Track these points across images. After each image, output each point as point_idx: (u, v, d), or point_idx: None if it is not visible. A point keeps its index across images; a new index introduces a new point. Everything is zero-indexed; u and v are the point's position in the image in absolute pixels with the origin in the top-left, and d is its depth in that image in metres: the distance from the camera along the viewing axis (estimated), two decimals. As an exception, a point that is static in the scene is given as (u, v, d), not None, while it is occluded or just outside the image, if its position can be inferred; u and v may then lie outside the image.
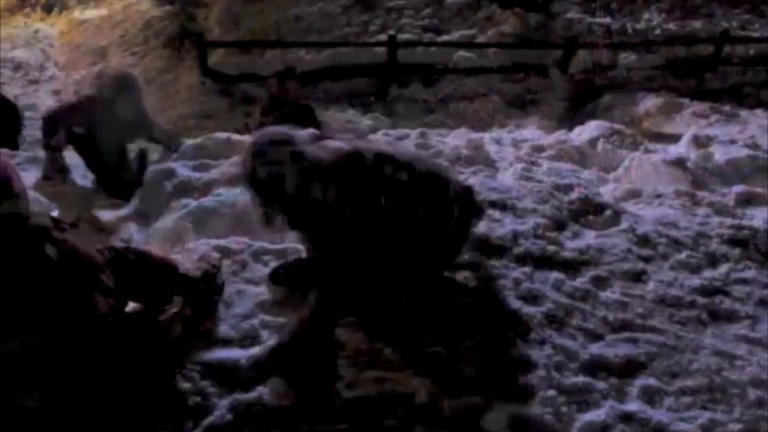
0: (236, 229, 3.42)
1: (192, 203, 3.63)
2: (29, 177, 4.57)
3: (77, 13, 12.55)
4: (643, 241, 3.61)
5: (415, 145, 4.79)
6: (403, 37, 9.56)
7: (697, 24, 10.74)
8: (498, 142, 5.29)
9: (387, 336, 2.70)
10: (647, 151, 5.07)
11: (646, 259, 3.49)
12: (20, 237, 1.89)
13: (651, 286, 3.28)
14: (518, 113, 8.62)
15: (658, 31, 10.33)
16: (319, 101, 8.42)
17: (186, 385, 2.45)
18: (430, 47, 9.57)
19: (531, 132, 6.22)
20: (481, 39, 9.91)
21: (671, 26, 10.54)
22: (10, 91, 9.28)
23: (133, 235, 3.76)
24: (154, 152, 5.12)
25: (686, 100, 8.43)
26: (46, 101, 9.08)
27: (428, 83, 8.94)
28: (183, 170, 4.15)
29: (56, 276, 1.91)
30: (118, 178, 4.74)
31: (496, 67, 9.56)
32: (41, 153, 6.58)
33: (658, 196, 4.25)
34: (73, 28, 11.76)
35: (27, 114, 8.33)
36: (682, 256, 3.54)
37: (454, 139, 5.00)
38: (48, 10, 13.16)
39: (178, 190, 3.95)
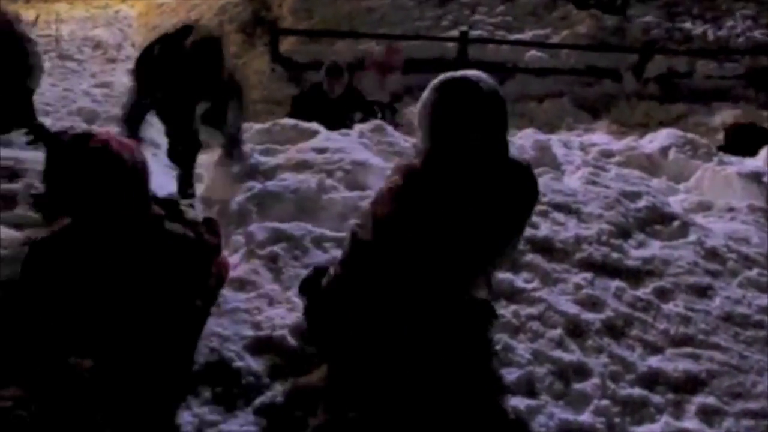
0: (298, 214, 3.45)
1: (257, 187, 3.67)
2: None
3: (156, -4, 12.89)
4: (712, 255, 3.50)
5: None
6: (475, 33, 9.48)
7: (784, 33, 10.31)
8: (566, 144, 5.18)
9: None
10: (721, 162, 4.90)
11: (714, 274, 3.38)
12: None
13: (717, 302, 3.18)
14: (588, 117, 8.45)
15: (741, 39, 9.95)
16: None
17: (240, 364, 2.49)
18: (501, 45, 9.47)
19: (600, 136, 6.09)
20: (554, 39, 9.74)
21: (756, 34, 10.13)
22: (90, 69, 9.63)
23: (198, 217, 3.84)
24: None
25: (765, 113, 8.14)
26: (122, 79, 9.36)
27: (498, 81, 8.82)
28: (249, 154, 4.21)
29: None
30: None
31: (568, 68, 9.39)
32: (116, 129, 6.81)
33: (731, 209, 4.11)
34: (151, 10, 12.09)
35: (103, 91, 8.69)
36: (752, 273, 3.41)
37: (520, 140, 4.93)
38: (129, -9, 13.57)
39: (244, 173, 4.00)
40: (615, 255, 3.35)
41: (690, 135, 5.42)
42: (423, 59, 9.00)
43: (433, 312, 2.21)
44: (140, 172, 1.94)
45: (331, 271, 2.31)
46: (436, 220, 2.06)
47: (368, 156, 4.13)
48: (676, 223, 3.73)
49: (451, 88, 2.03)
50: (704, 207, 4.18)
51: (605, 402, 2.56)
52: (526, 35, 9.79)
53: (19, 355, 2.08)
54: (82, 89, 8.56)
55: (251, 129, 4.74)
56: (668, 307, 3.10)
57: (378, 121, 4.93)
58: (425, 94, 2.08)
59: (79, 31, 11.11)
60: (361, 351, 2.25)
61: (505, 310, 2.86)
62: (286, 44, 9.49)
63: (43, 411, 2.18)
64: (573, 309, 2.95)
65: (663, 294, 3.18)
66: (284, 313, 2.72)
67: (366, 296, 2.18)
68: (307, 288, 2.60)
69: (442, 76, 2.08)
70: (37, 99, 7.40)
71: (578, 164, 4.64)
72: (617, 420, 2.51)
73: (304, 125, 4.74)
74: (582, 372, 2.67)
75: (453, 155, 2.04)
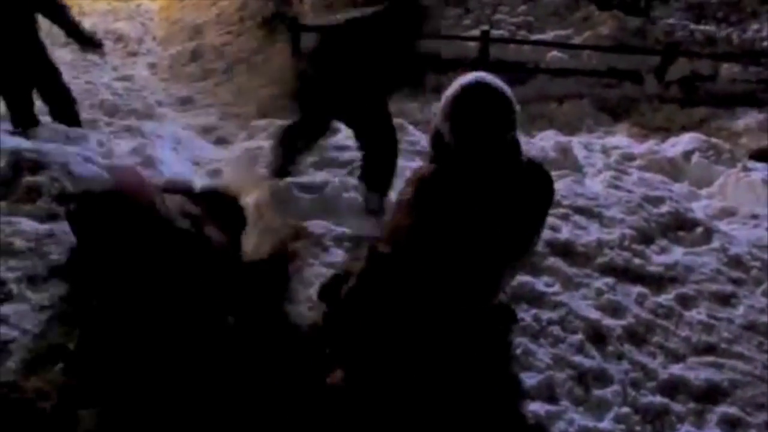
0: (319, 212, 3.44)
1: (277, 184, 3.67)
2: (123, 146, 4.75)
3: (178, -10, 12.92)
4: (735, 262, 3.46)
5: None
6: (496, 33, 9.43)
7: (811, 38, 10.13)
8: (587, 147, 5.15)
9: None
10: (745, 169, 4.83)
11: (737, 282, 3.34)
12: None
13: (740, 310, 3.14)
14: (608, 119, 8.36)
15: (766, 43, 9.82)
16: (405, 92, 8.41)
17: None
18: (523, 45, 9.41)
19: (620, 139, 6.05)
20: (576, 40, 9.65)
21: (782, 38, 9.98)
22: (111, 62, 9.68)
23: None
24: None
25: (790, 119, 8.02)
26: (142, 73, 9.41)
27: (518, 81, 8.77)
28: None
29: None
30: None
31: (589, 70, 9.30)
32: (136, 122, 6.85)
33: (755, 216, 4.06)
34: (172, 4, 12.11)
35: (124, 84, 8.73)
36: (777, 282, 3.37)
37: (541, 141, 4.91)
38: (151, -15, 13.60)
39: (264, 170, 4.00)
40: (637, 260, 3.33)
41: (713, 140, 5.37)
42: (444, 58, 8.97)
43: (456, 320, 2.21)
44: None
45: (350, 282, 2.31)
46: (454, 227, 2.06)
47: (389, 155, 4.11)
48: (699, 230, 3.69)
49: (467, 91, 2.06)
50: (728, 213, 4.14)
51: (626, 409, 2.54)
52: (548, 35, 9.71)
53: None
54: (104, 82, 8.61)
55: (272, 125, 4.74)
56: (690, 314, 3.06)
57: (399, 120, 4.91)
58: (445, 96, 2.10)
59: (101, 24, 11.16)
60: (381, 357, 2.24)
61: (526, 314, 2.84)
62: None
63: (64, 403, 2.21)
64: (594, 314, 2.93)
65: (685, 301, 3.15)
66: (305, 311, 2.72)
67: (385, 308, 2.17)
68: (325, 295, 2.61)
69: (458, 81, 2.10)
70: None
71: (600, 167, 4.61)
72: (638, 428, 2.49)
73: (325, 123, 4.72)
74: (602, 378, 2.65)
75: (471, 156, 2.05)
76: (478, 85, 2.07)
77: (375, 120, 3.54)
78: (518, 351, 2.66)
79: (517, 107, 2.08)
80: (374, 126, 3.54)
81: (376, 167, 3.59)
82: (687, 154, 5.12)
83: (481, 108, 2.04)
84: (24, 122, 4.51)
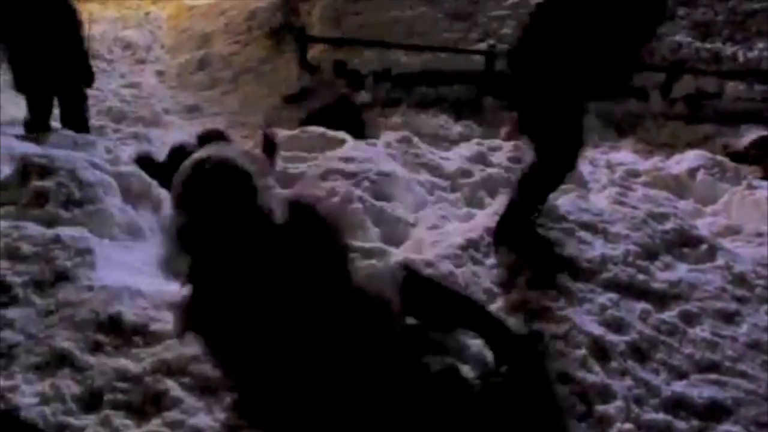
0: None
1: (283, 194, 3.68)
2: (130, 152, 4.77)
3: (187, -1, 13.02)
4: (740, 280, 3.45)
5: (508, 157, 4.73)
6: (503, 47, 9.45)
7: (818, 56, 10.14)
8: (592, 162, 5.17)
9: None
10: (750, 186, 4.84)
11: (741, 300, 3.33)
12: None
13: (744, 328, 3.13)
14: (613, 135, 8.37)
15: (772, 62, 9.85)
16: (412, 105, 8.45)
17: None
18: (528, 59, 9.43)
19: (625, 155, 6.05)
20: (581, 55, 9.69)
21: (789, 56, 10.00)
22: (119, 69, 9.74)
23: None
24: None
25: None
26: (150, 80, 9.46)
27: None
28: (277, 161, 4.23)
29: None
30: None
31: (595, 85, 9.33)
32: (143, 129, 6.89)
33: (759, 235, 4.05)
34: (181, 13, 12.20)
35: (132, 92, 8.77)
36: (781, 300, 3.36)
37: (546, 156, 4.90)
38: (160, -6, 13.69)
39: (270, 179, 4.02)
40: (641, 276, 3.32)
41: (719, 157, 5.38)
42: (451, 71, 9.02)
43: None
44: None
45: None
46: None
47: (394, 167, 4.14)
48: (703, 247, 3.68)
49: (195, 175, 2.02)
50: (732, 231, 4.14)
51: (628, 425, 2.53)
52: (554, 50, 9.74)
53: None
54: (111, 89, 8.68)
55: (278, 135, 4.76)
56: (694, 331, 3.05)
57: (405, 133, 4.94)
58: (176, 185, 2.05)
59: (110, 31, 11.25)
60: None
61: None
62: (314, 51, 9.54)
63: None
64: (598, 330, 2.92)
65: (689, 318, 3.13)
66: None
67: None
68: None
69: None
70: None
71: (604, 183, 4.62)
72: (640, 445, 2.49)
73: (332, 133, 4.75)
74: (605, 394, 2.64)
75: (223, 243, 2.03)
76: (205, 165, 1.98)
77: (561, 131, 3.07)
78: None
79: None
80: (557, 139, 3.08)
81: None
82: (692, 171, 5.12)
83: (214, 190, 1.96)
84: (38, 127, 4.59)
